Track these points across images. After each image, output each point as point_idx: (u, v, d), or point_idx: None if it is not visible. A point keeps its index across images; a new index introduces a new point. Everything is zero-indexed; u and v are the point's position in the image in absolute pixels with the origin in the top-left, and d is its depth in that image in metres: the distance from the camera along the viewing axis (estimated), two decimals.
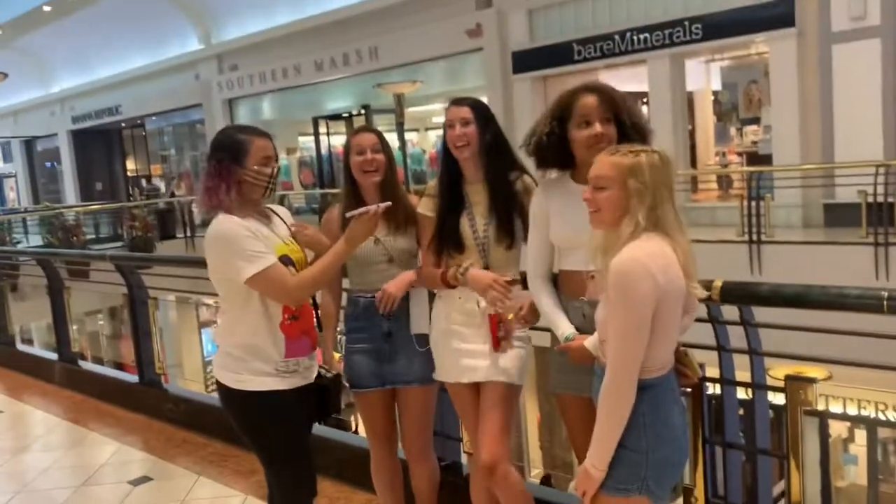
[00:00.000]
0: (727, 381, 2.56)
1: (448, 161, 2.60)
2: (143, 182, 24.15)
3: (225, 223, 2.32)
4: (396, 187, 2.76)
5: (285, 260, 2.38)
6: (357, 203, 2.62)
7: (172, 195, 20.65)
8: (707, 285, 2.25)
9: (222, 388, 2.44)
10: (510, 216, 2.53)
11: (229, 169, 2.34)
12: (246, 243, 2.28)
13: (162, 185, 22.86)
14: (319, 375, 2.59)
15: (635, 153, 1.89)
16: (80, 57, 23.06)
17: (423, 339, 2.70)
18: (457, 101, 2.58)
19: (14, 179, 30.45)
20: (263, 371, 2.37)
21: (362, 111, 17.80)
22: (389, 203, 2.42)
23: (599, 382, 1.93)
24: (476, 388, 2.60)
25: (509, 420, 2.55)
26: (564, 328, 2.23)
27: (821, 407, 2.47)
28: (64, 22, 20.52)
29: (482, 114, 2.55)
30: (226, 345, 2.44)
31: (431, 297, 2.74)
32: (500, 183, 2.54)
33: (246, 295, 2.34)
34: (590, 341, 2.10)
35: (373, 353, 2.74)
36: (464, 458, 3.33)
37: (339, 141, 19.25)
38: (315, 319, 2.58)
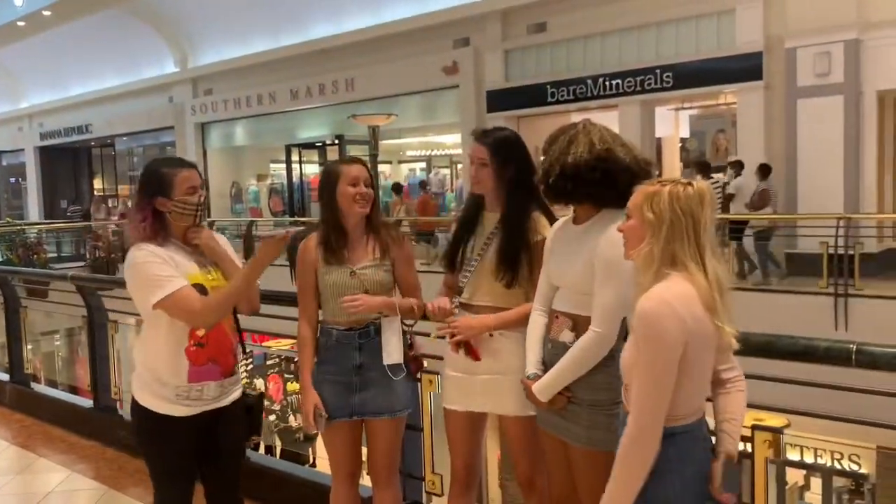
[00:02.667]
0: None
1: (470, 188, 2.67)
2: (66, 203, 24.03)
3: (136, 252, 2.43)
4: (378, 220, 2.75)
5: (199, 288, 2.44)
6: (340, 234, 2.64)
7: (86, 216, 20.43)
8: None
9: (132, 399, 2.58)
10: (515, 250, 2.49)
11: (151, 202, 2.45)
12: (153, 269, 2.38)
13: (94, 210, 22.62)
14: (245, 395, 2.68)
15: (662, 183, 1.82)
16: (52, 73, 22.81)
17: (397, 369, 2.68)
18: (479, 137, 2.58)
19: None
20: (161, 395, 2.48)
21: (336, 141, 17.82)
22: (302, 228, 2.51)
23: (623, 428, 1.82)
24: (474, 418, 2.65)
25: (534, 443, 2.54)
26: (529, 367, 2.31)
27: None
28: (37, 38, 20.31)
29: (502, 154, 2.53)
30: (137, 360, 2.58)
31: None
32: (514, 218, 2.53)
33: (155, 319, 2.44)
34: (536, 385, 2.18)
35: (341, 384, 2.70)
36: (427, 499, 3.27)
37: (311, 170, 19.22)
38: (234, 347, 2.61)
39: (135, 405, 2.55)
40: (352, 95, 16.10)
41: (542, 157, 2.28)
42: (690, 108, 13.86)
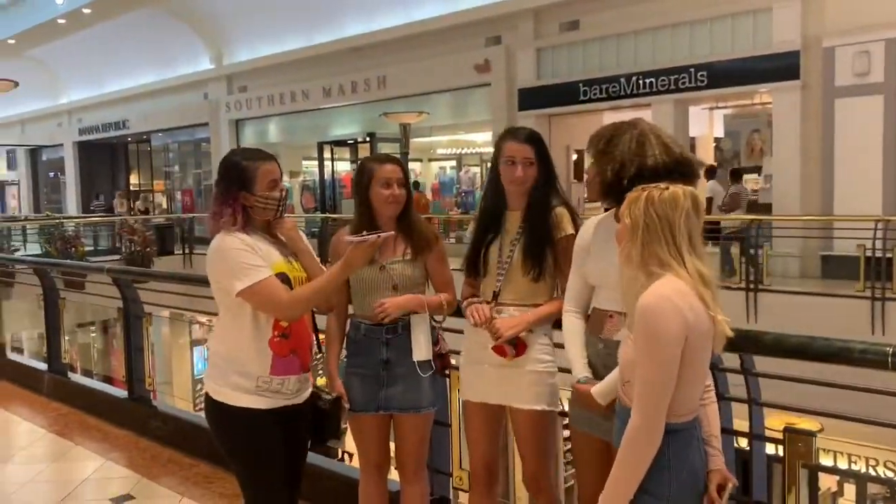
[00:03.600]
0: (725, 430, 2.52)
1: (495, 189, 2.64)
2: (96, 198, 24.54)
3: (224, 239, 2.37)
4: (412, 216, 2.76)
5: (282, 277, 2.40)
6: (371, 229, 2.63)
7: (109, 210, 20.69)
8: None
9: (206, 398, 2.47)
10: (541, 246, 2.54)
11: (236, 195, 2.39)
12: (241, 257, 2.33)
13: (118, 204, 23.17)
14: (318, 398, 2.59)
15: (649, 189, 1.88)
16: (90, 70, 23.25)
17: (426, 366, 2.69)
18: (519, 136, 2.60)
19: (17, 187, 30.50)
20: (242, 386, 2.39)
21: (367, 139, 17.92)
22: (392, 233, 2.46)
23: (622, 424, 1.87)
24: (494, 412, 2.64)
25: (547, 445, 2.59)
26: (577, 370, 2.27)
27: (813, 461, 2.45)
28: (77, 35, 20.71)
29: (543, 152, 2.59)
30: (214, 353, 2.49)
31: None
32: (539, 214, 2.57)
33: (239, 307, 2.37)
34: (596, 389, 2.10)
35: (370, 378, 2.72)
36: (454, 495, 3.29)
37: (342, 167, 19.36)
38: (315, 341, 2.58)
39: (213, 406, 2.44)
40: (383, 93, 16.17)
41: (593, 155, 2.24)
42: (725, 107, 13.69)
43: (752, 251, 9.54)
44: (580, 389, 2.20)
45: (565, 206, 2.61)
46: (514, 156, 2.57)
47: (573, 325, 2.35)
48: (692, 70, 11.62)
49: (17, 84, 11.51)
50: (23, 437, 5.44)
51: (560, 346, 2.57)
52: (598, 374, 2.21)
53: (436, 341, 2.76)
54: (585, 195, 2.62)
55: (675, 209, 1.84)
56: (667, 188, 1.88)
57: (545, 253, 2.54)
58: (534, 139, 2.60)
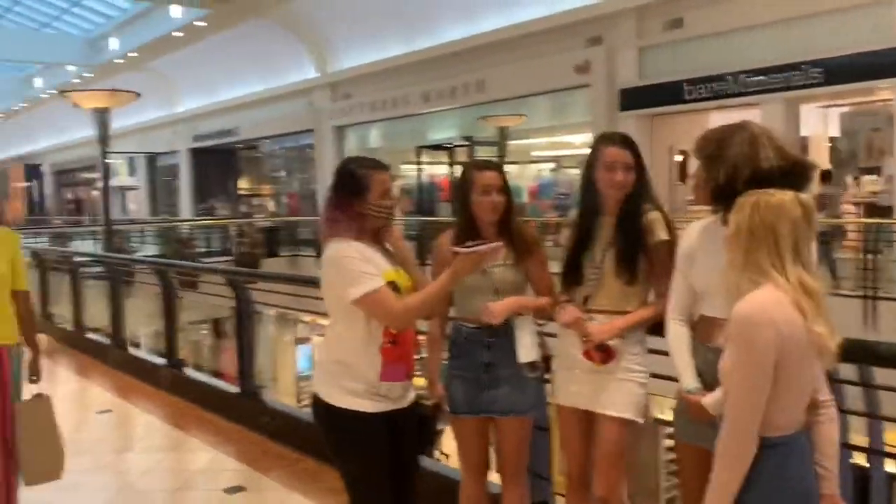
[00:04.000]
0: (843, 444, 2.41)
1: (591, 195, 2.63)
2: (211, 203, 25.82)
3: (341, 246, 2.44)
4: (513, 222, 2.76)
5: (392, 286, 2.45)
6: (472, 236, 2.65)
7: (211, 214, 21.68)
8: None
9: (315, 399, 2.55)
10: (633, 251, 2.53)
11: (351, 203, 2.46)
12: (356, 265, 2.39)
13: (221, 207, 24.30)
14: (419, 404, 2.65)
15: (758, 194, 1.85)
16: (204, 80, 24.45)
17: (533, 367, 2.69)
18: (617, 141, 2.59)
19: (136, 192, 32.41)
20: (353, 390, 2.45)
21: (465, 142, 18.04)
22: (500, 244, 2.45)
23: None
24: (586, 417, 2.63)
25: (624, 456, 2.57)
26: (687, 380, 2.21)
27: None
28: (192, 47, 21.83)
29: (639, 157, 2.59)
30: (325, 359, 2.55)
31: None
32: (631, 218, 2.56)
33: (352, 314, 2.43)
34: (708, 399, 2.05)
35: (471, 381, 2.75)
36: (554, 500, 3.27)
37: (440, 170, 19.56)
38: (416, 348, 2.63)
39: (323, 408, 2.51)
40: (481, 97, 16.23)
41: (703, 158, 2.18)
42: (841, 105, 12.98)
43: (870, 256, 9.01)
44: (690, 400, 2.15)
45: (659, 210, 2.58)
46: (614, 161, 2.55)
47: (680, 334, 2.30)
48: (805, 67, 11.08)
49: (138, 95, 12.22)
50: (142, 427, 5.79)
51: (656, 352, 2.53)
52: (707, 384, 2.15)
53: (539, 344, 2.76)
54: (691, 198, 2.55)
55: (781, 216, 1.81)
56: (774, 194, 1.83)
57: (638, 258, 2.53)
58: (630, 144, 2.59)
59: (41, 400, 3.62)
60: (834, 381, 2.39)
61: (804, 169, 2.09)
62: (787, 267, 1.79)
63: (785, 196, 1.83)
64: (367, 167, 2.50)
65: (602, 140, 2.63)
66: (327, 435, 2.56)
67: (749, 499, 1.79)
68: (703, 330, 2.24)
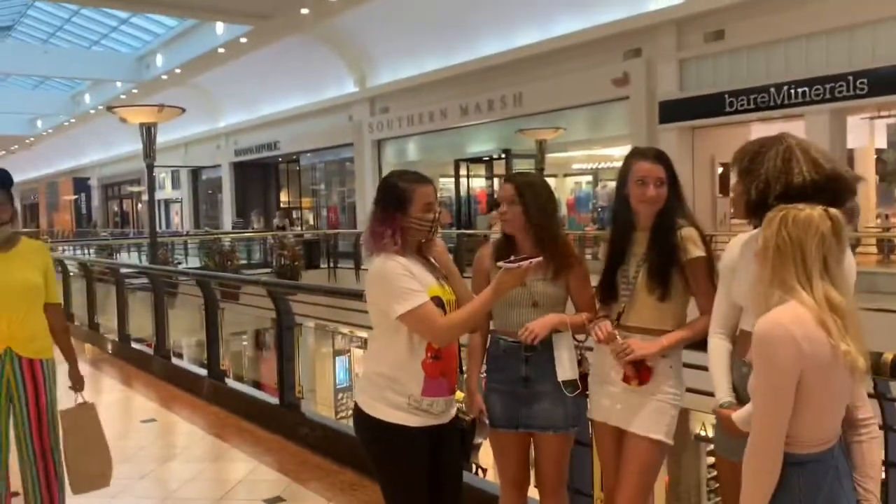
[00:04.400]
0: (894, 464, 2.35)
1: (624, 210, 2.60)
2: (238, 216, 26.65)
3: (386, 262, 2.44)
4: (553, 237, 2.74)
5: (437, 301, 2.45)
6: (509, 251, 2.66)
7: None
8: (875, 358, 2.10)
9: (356, 410, 2.56)
10: (666, 266, 2.50)
11: (394, 216, 2.46)
12: (402, 281, 2.39)
13: (255, 221, 24.73)
14: (458, 419, 2.64)
15: (787, 209, 1.83)
16: (245, 95, 24.91)
17: (571, 385, 2.67)
18: (649, 156, 2.57)
19: (180, 205, 33.07)
20: (396, 403, 2.45)
21: (503, 155, 18.05)
22: (541, 259, 2.44)
23: None
24: (620, 434, 2.60)
25: (650, 475, 2.54)
26: (720, 394, 2.18)
27: None
28: (234, 63, 22.27)
29: (672, 172, 2.56)
30: (368, 371, 2.56)
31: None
32: (664, 233, 2.53)
33: (396, 328, 2.44)
34: (737, 414, 2.03)
35: (509, 395, 2.75)
36: None
37: (477, 183, 19.59)
38: (458, 363, 2.62)
39: (365, 419, 2.51)
40: (519, 110, 16.24)
41: (738, 172, 2.16)
42: (888, 116, 12.71)
43: None
44: (722, 414, 2.13)
45: (693, 227, 2.54)
46: (645, 176, 2.52)
47: (719, 348, 2.27)
48: (851, 77, 10.88)
49: (183, 110, 12.49)
50: (185, 437, 5.86)
51: (699, 367, 2.49)
52: (741, 399, 2.12)
53: (579, 361, 2.74)
54: (732, 210, 2.51)
55: (808, 232, 1.79)
56: (803, 209, 1.81)
57: (670, 274, 2.49)
58: (663, 158, 2.57)
59: (86, 407, 3.62)
60: (885, 399, 2.33)
61: (841, 183, 2.04)
62: (814, 283, 1.78)
63: (814, 211, 1.81)
64: (409, 181, 2.51)
65: (634, 155, 2.60)
66: (368, 446, 2.57)
67: None
68: (741, 345, 2.21)
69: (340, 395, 14.64)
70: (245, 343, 17.57)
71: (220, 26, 20.58)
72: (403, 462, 2.51)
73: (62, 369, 3.55)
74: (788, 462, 1.79)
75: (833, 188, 2.02)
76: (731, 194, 2.26)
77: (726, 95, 12.39)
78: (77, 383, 3.60)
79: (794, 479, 1.78)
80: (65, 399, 3.60)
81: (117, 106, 13.41)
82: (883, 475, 2.38)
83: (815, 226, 1.79)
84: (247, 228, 24.02)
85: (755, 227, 2.22)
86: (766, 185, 2.05)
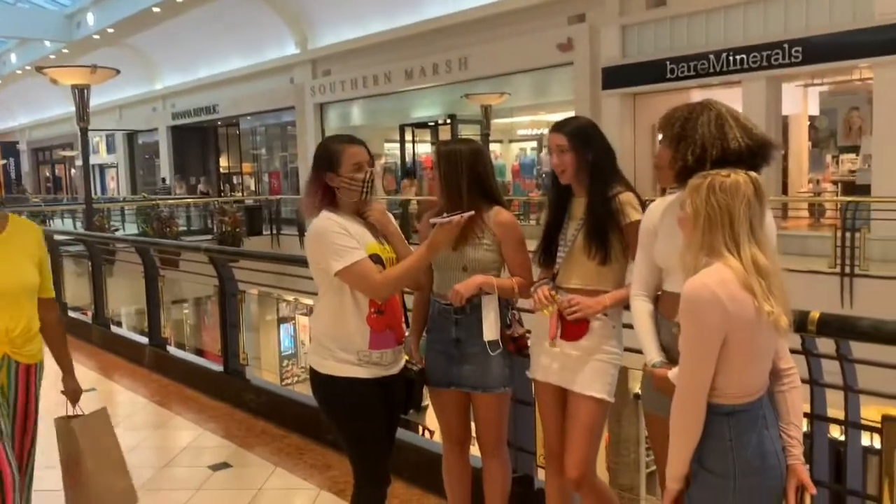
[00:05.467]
0: (819, 417, 2.47)
1: (555, 177, 2.69)
2: (163, 181, 26.03)
3: (323, 221, 2.53)
4: (488, 201, 2.77)
5: (375, 258, 2.53)
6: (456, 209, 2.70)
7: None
8: (803, 316, 2.20)
9: (311, 372, 2.64)
10: (604, 230, 2.56)
11: (325, 176, 2.55)
12: (338, 239, 2.47)
13: (177, 186, 24.40)
14: (407, 369, 2.73)
15: (712, 175, 1.89)
16: (183, 57, 24.14)
17: (494, 345, 2.73)
18: (555, 127, 2.67)
19: (115, 170, 32.06)
20: (345, 359, 2.54)
21: (448, 120, 17.98)
22: (472, 213, 2.54)
23: None
24: (561, 393, 2.67)
25: (596, 434, 2.62)
26: (651, 355, 2.24)
27: None
28: (170, 23, 21.52)
29: (579, 139, 2.61)
30: (316, 330, 2.64)
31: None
32: (598, 198, 2.59)
33: (338, 286, 2.52)
34: (674, 372, 2.09)
35: (443, 354, 2.82)
36: (538, 473, 3.32)
37: (423, 149, 19.51)
38: (403, 317, 2.71)
39: (319, 379, 2.60)
40: (465, 74, 16.17)
41: (668, 138, 2.18)
42: (821, 84, 13.08)
43: (848, 234, 9.13)
44: (656, 373, 2.19)
45: (631, 191, 2.62)
46: (550, 145, 2.65)
47: (643, 309, 2.33)
48: (786, 45, 11.14)
49: (118, 72, 12.04)
50: (127, 406, 5.77)
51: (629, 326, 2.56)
52: (671, 359, 2.18)
53: (509, 323, 2.79)
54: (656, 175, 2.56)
55: (736, 198, 1.86)
56: (728, 175, 1.88)
57: (608, 237, 2.55)
58: (565, 127, 2.64)
59: (99, 414, 3.16)
60: (811, 355, 2.45)
61: (770, 148, 2.11)
62: (742, 247, 1.85)
63: (739, 176, 1.88)
64: (340, 142, 2.60)
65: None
66: (325, 404, 2.65)
67: (710, 465, 1.89)
68: (666, 305, 2.26)
69: (286, 363, 14.57)
70: (187, 311, 17.26)
71: None
72: (360, 414, 2.59)
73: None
74: (719, 412, 1.88)
75: (764, 154, 2.08)
76: (656, 160, 2.29)
77: (667, 62, 12.56)
78: (72, 395, 3.05)
79: (725, 428, 1.88)
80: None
81: (47, 67, 12.83)
82: (808, 427, 2.51)
83: (742, 192, 1.86)
84: (169, 194, 23.44)
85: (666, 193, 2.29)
86: (703, 150, 2.08)
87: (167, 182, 25.99)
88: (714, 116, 2.11)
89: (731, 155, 2.04)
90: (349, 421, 2.61)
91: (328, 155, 2.56)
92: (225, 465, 4.29)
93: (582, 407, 2.60)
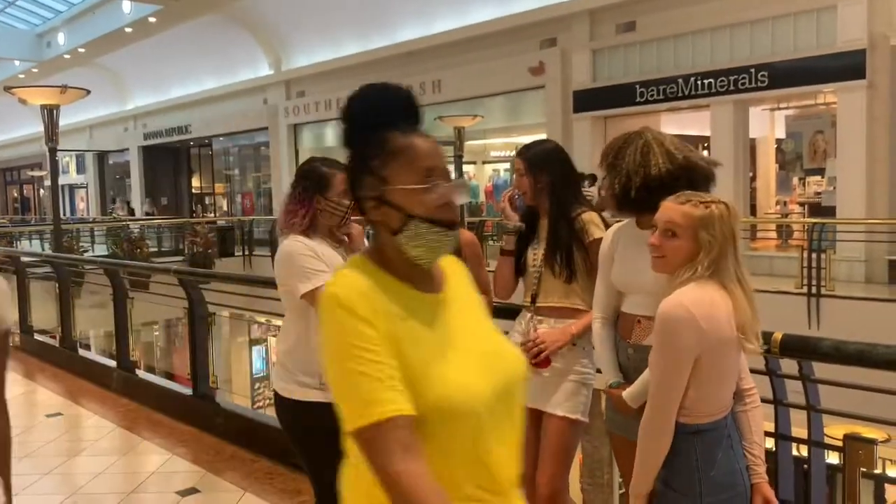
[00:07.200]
0: (783, 436, 2.51)
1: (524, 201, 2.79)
2: (112, 201, 25.91)
3: (292, 243, 2.53)
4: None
5: None
6: None
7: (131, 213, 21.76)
8: (766, 337, 2.24)
9: (275, 397, 2.62)
10: (567, 250, 2.62)
11: (311, 197, 2.55)
12: (305, 262, 2.47)
13: (119, 208, 24.21)
14: None
15: (706, 204, 1.91)
16: (155, 77, 23.99)
17: None
18: (518, 152, 2.78)
19: (85, 190, 31.64)
20: (307, 383, 2.52)
21: None
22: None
23: None
24: (537, 415, 2.68)
25: (568, 453, 2.65)
26: (609, 375, 2.31)
27: (878, 470, 2.41)
28: (143, 43, 21.40)
29: (535, 163, 2.70)
30: (281, 352, 2.63)
31: None
32: (559, 219, 2.66)
33: (304, 309, 2.51)
34: (628, 392, 2.15)
35: None
36: None
37: None
38: None
39: (284, 403, 2.57)
40: (438, 97, 16.27)
41: (605, 170, 2.28)
42: (787, 108, 13.37)
43: (814, 255, 9.30)
44: (612, 394, 2.26)
45: (592, 211, 2.69)
46: (515, 168, 2.75)
47: (602, 331, 2.38)
48: (753, 70, 11.39)
49: (88, 92, 11.92)
50: (93, 430, 5.66)
51: None
52: (629, 378, 2.24)
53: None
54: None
55: (735, 223, 1.91)
56: (722, 202, 1.92)
57: (572, 256, 2.62)
58: (525, 152, 2.75)
59: None
60: (775, 375, 2.49)
61: (695, 171, 2.17)
62: (742, 273, 1.90)
63: (727, 202, 1.94)
64: (331, 166, 2.60)
65: None
66: (292, 429, 2.63)
67: (677, 483, 1.91)
68: (623, 327, 2.32)
69: (257, 385, 14.40)
70: (157, 333, 17.01)
71: (126, 4, 19.72)
72: (323, 439, 2.54)
73: None
74: (687, 431, 1.90)
75: (687, 176, 2.15)
76: (601, 191, 2.39)
77: (637, 86, 12.77)
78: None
79: (692, 447, 1.90)
80: None
81: (16, 86, 12.67)
82: (773, 446, 2.55)
83: (736, 216, 1.91)
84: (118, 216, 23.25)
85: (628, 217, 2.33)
86: (628, 178, 2.19)
87: (116, 203, 25.74)
88: (641, 145, 2.21)
89: (653, 181, 2.13)
90: (312, 446, 2.58)
91: (318, 177, 2.56)
92: (193, 491, 4.22)
93: (556, 427, 2.62)
